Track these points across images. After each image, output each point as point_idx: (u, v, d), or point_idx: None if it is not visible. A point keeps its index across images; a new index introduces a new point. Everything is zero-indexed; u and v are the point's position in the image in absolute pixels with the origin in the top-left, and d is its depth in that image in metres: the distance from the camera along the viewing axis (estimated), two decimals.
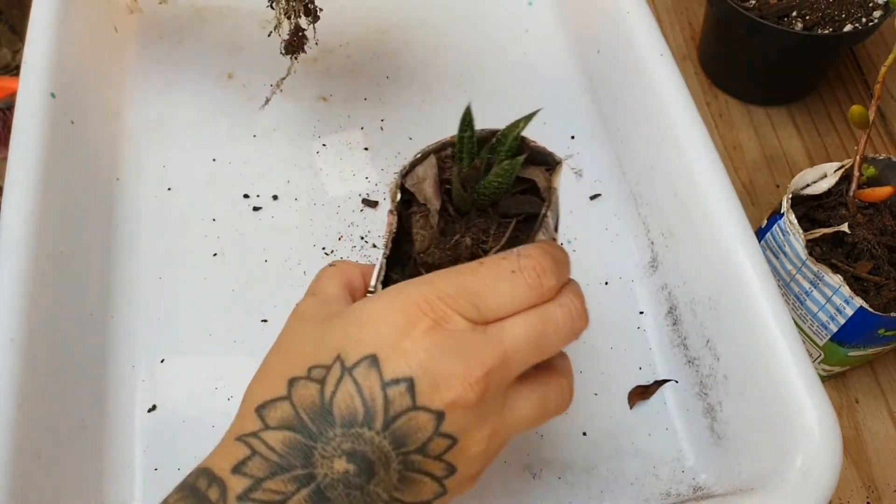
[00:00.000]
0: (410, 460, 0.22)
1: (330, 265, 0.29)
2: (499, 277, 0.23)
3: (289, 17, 0.33)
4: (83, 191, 0.40)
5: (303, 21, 0.36)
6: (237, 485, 0.22)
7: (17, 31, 0.66)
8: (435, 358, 0.22)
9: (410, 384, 0.22)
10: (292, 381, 0.23)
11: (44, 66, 0.40)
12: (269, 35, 0.39)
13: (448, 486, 0.23)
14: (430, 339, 0.22)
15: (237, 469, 0.22)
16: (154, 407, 0.37)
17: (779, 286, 0.44)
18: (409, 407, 0.22)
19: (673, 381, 0.39)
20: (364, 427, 0.22)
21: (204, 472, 0.23)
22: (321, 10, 0.35)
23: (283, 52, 0.36)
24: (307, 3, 0.34)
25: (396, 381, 0.22)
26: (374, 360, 0.22)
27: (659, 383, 0.40)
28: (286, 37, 0.35)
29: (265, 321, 0.40)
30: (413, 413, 0.22)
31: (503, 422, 0.24)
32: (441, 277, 0.23)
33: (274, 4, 0.34)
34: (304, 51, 0.35)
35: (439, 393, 0.22)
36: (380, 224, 0.44)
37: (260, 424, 0.23)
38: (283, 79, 0.37)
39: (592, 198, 0.46)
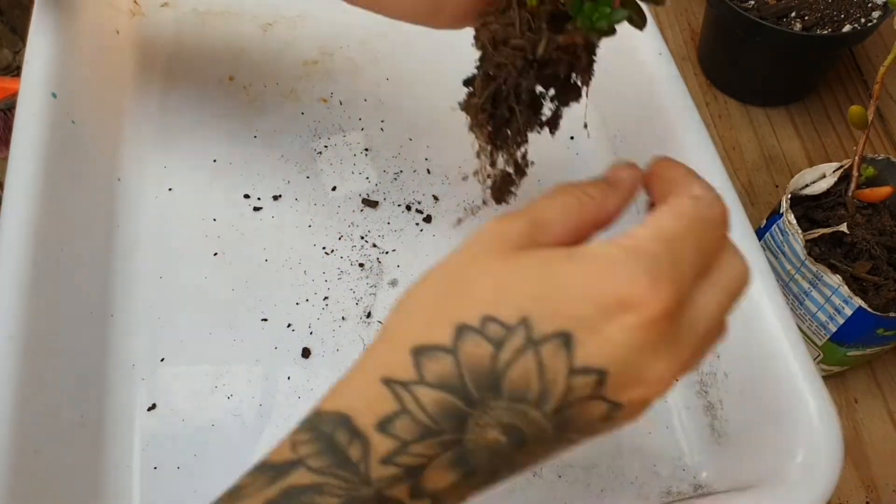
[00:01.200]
0: (569, 437, 0.21)
1: (584, 188, 0.23)
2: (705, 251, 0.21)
3: (495, 166, 0.32)
4: (84, 191, 0.41)
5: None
6: (382, 446, 0.20)
7: (17, 31, 0.67)
8: (637, 354, 0.19)
9: (602, 377, 0.20)
10: (461, 330, 0.20)
11: (45, 66, 0.40)
12: (464, 179, 0.40)
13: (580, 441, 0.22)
14: (638, 332, 0.19)
15: (383, 426, 0.20)
16: (153, 406, 0.37)
17: (778, 286, 0.45)
18: (590, 396, 0.20)
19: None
20: (533, 407, 0.20)
21: (344, 422, 0.20)
22: (532, 163, 0.34)
23: (490, 198, 0.34)
24: (518, 160, 0.33)
25: (587, 371, 0.19)
26: (567, 339, 0.19)
27: None
28: (490, 183, 0.34)
29: (265, 320, 0.40)
30: (592, 402, 0.20)
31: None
32: (664, 254, 0.20)
33: (481, 154, 0.33)
34: (507, 202, 0.34)
35: (628, 390, 0.20)
36: (380, 224, 0.44)
37: (415, 374, 0.20)
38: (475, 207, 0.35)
39: None
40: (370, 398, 0.20)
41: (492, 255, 0.21)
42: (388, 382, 0.20)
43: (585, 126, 0.36)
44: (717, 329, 0.22)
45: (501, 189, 0.33)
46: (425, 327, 0.21)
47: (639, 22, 0.28)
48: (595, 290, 0.20)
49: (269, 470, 0.20)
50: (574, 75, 0.30)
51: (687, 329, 0.20)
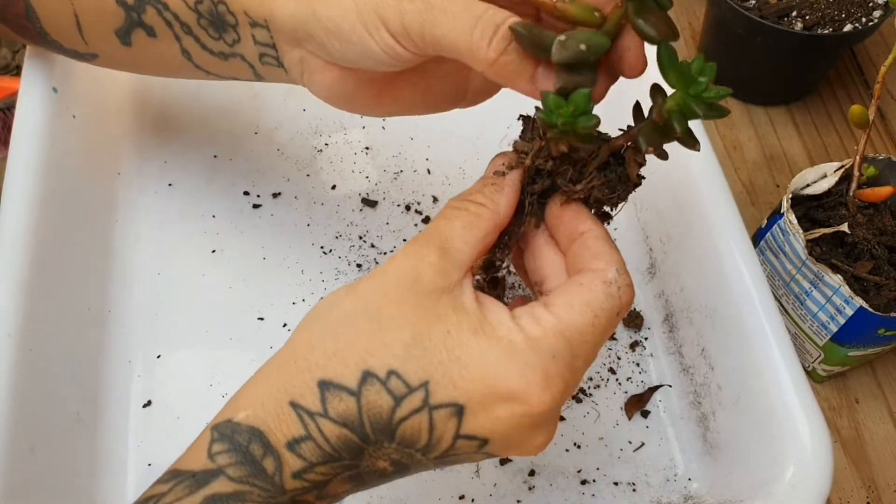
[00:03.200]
0: (449, 464, 0.24)
1: (473, 198, 0.25)
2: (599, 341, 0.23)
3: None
4: (84, 185, 0.41)
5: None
6: (292, 463, 0.22)
7: None
8: (519, 433, 0.22)
9: (483, 443, 0.22)
10: (366, 376, 0.22)
11: (47, 60, 0.40)
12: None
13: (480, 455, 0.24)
14: (522, 419, 0.22)
15: (292, 446, 0.22)
16: (149, 402, 0.37)
17: (779, 286, 0.44)
18: (472, 451, 0.23)
19: (667, 386, 0.39)
20: (419, 453, 0.23)
21: (257, 436, 0.22)
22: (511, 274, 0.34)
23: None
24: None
25: (471, 438, 0.22)
26: (459, 410, 0.22)
27: (652, 389, 0.39)
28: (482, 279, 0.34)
29: (262, 319, 0.40)
30: (474, 454, 0.23)
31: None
32: (562, 353, 0.22)
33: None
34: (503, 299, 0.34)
35: (510, 452, 0.23)
36: (379, 224, 0.44)
37: (320, 407, 0.22)
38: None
39: None
40: (280, 418, 0.22)
41: (406, 298, 0.23)
42: (296, 407, 0.22)
43: None
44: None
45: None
46: (334, 363, 0.22)
47: (691, 143, 0.24)
48: (491, 377, 0.22)
49: (187, 478, 0.22)
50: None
51: (567, 396, 0.23)
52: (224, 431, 0.23)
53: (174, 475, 0.23)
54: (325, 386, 0.22)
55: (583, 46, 0.22)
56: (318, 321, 0.24)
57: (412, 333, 0.22)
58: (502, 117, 0.49)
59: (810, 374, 0.46)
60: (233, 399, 0.24)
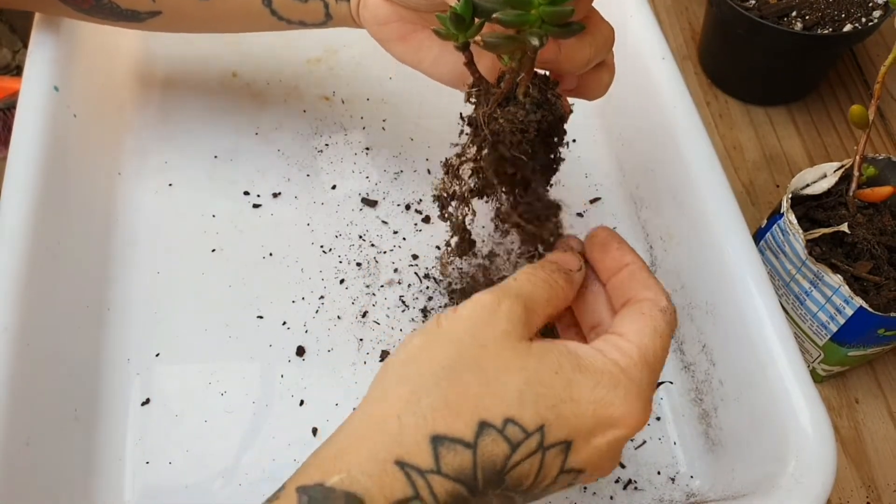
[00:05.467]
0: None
1: (558, 279, 0.26)
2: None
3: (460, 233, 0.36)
4: (84, 184, 0.41)
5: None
6: None
7: (17, 31, 0.67)
8: (611, 456, 0.24)
9: (579, 474, 0.23)
10: (483, 427, 0.22)
11: (48, 59, 0.40)
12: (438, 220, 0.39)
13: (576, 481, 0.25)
14: (618, 444, 0.23)
15: None
16: (148, 400, 0.37)
17: (779, 286, 0.44)
18: (564, 485, 0.23)
19: (668, 383, 0.39)
20: (518, 494, 0.23)
21: (355, 502, 0.21)
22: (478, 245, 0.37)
23: (453, 254, 0.37)
24: (466, 236, 0.36)
25: (571, 471, 0.23)
26: (568, 446, 0.23)
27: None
28: (455, 242, 0.36)
29: (261, 318, 0.40)
30: (562, 476, 0.23)
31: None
32: (648, 378, 0.24)
33: (449, 227, 0.36)
34: (474, 254, 0.37)
35: (593, 476, 0.24)
36: (379, 224, 0.44)
37: (432, 463, 0.21)
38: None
39: (592, 201, 0.46)
40: (384, 481, 0.21)
41: (505, 346, 0.23)
42: (403, 466, 0.21)
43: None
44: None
45: (466, 247, 0.36)
46: (445, 416, 0.22)
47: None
48: (600, 408, 0.23)
49: None
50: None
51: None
52: (315, 496, 0.21)
53: None
54: (438, 441, 0.21)
55: None
56: (411, 374, 0.23)
57: (524, 379, 0.22)
58: None
59: (810, 374, 0.46)
60: (318, 456, 0.23)
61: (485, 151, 0.30)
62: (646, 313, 0.25)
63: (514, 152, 0.28)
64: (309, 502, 0.21)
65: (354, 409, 0.24)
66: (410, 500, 0.21)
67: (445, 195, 0.34)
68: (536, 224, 0.30)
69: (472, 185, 0.33)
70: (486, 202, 0.33)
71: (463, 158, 0.32)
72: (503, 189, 0.32)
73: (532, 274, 0.26)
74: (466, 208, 0.34)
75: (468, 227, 0.35)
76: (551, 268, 0.27)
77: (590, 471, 0.23)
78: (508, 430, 0.22)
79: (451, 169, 0.33)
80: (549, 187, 0.31)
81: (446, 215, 0.35)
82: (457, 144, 0.32)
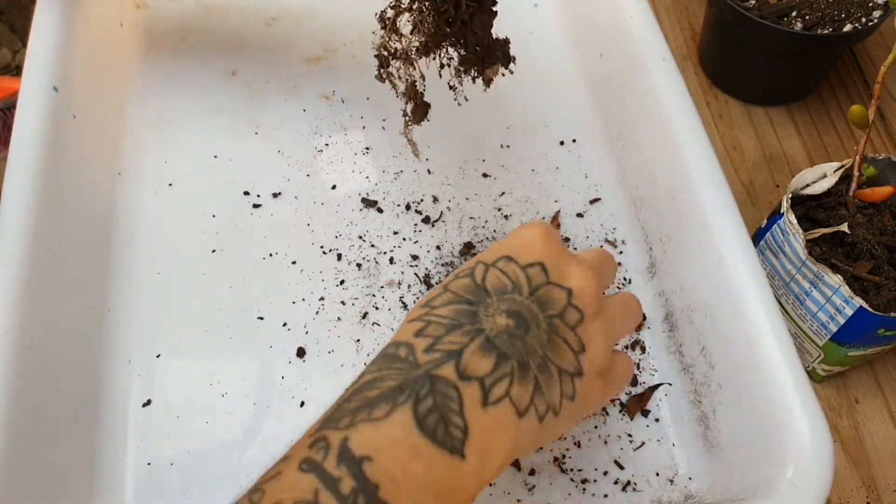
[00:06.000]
0: (554, 323, 0.27)
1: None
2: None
3: (412, 97, 0.37)
4: (84, 185, 0.41)
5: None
6: (421, 344, 0.25)
7: (17, 31, 0.67)
8: (558, 257, 0.28)
9: (543, 267, 0.28)
10: (446, 286, 0.27)
11: (47, 59, 0.40)
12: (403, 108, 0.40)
13: (582, 364, 0.27)
14: (553, 246, 0.28)
15: (418, 334, 0.25)
16: (149, 401, 0.37)
17: (779, 286, 0.44)
18: (544, 282, 0.27)
19: (667, 385, 0.39)
20: (514, 293, 0.27)
21: (393, 344, 0.26)
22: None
23: (410, 123, 0.38)
24: (419, 100, 0.37)
25: (531, 265, 0.28)
26: (508, 257, 0.28)
27: (652, 389, 0.39)
28: (410, 108, 0.37)
29: (261, 318, 0.40)
30: (549, 286, 0.27)
31: (610, 346, 0.29)
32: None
33: (398, 94, 0.37)
34: (428, 118, 0.39)
35: (566, 279, 0.28)
36: (379, 223, 0.44)
37: (426, 310, 0.26)
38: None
39: (592, 201, 0.46)
40: (405, 330, 0.26)
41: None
42: (413, 319, 0.26)
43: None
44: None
45: (421, 112, 0.37)
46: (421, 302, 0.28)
47: None
48: (518, 235, 0.29)
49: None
50: None
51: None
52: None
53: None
54: (424, 304, 0.27)
55: None
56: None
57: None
58: (502, 118, 0.49)
59: (810, 374, 0.46)
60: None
61: None
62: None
63: None
64: (375, 362, 0.26)
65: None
66: (427, 326, 0.26)
67: (386, 53, 0.34)
68: (490, 65, 0.32)
69: (416, 43, 0.33)
70: (433, 61, 0.34)
71: (398, 7, 0.32)
72: (448, 41, 0.32)
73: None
74: (413, 69, 0.34)
75: (420, 90, 0.36)
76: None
77: (550, 264, 0.28)
78: (460, 275, 0.28)
79: (387, 22, 0.33)
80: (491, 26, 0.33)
81: (384, 75, 0.35)
82: None
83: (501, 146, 0.48)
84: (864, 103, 0.41)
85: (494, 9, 0.33)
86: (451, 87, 0.36)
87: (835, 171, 0.43)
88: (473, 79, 0.36)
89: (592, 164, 0.47)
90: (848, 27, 0.49)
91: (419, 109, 0.37)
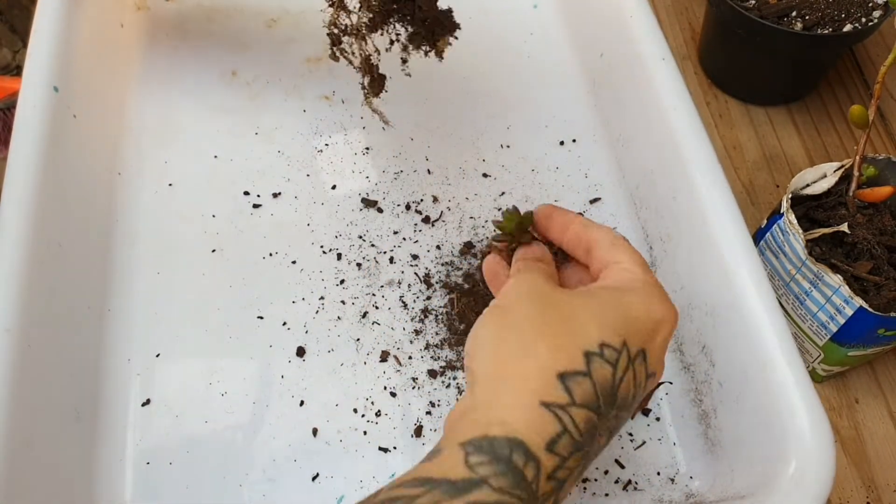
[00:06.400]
0: (632, 402, 0.27)
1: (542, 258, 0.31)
2: None
3: (366, 70, 0.38)
4: (84, 185, 0.41)
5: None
6: (549, 463, 0.24)
7: (17, 31, 0.67)
8: (663, 356, 0.27)
9: (652, 377, 0.27)
10: (589, 356, 0.25)
11: (48, 59, 0.40)
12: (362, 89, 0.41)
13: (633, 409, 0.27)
14: (666, 343, 0.27)
15: (550, 447, 0.24)
16: (148, 401, 0.37)
17: (779, 286, 0.44)
18: (647, 389, 0.27)
19: (667, 384, 0.39)
20: (626, 411, 0.26)
21: (519, 447, 0.23)
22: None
23: (370, 95, 0.39)
24: (375, 73, 0.38)
25: (650, 375, 0.27)
26: (644, 354, 0.26)
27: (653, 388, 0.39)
28: (367, 82, 0.38)
29: (261, 318, 0.40)
30: (644, 378, 0.27)
31: None
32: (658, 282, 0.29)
33: (355, 68, 0.38)
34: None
35: (658, 376, 0.28)
36: (379, 223, 0.44)
37: (567, 397, 0.24)
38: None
39: (592, 201, 0.46)
40: (535, 422, 0.24)
41: (560, 292, 0.28)
42: (548, 406, 0.24)
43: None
44: None
45: (378, 84, 0.38)
46: (562, 356, 0.25)
47: None
48: (650, 315, 0.27)
49: (444, 485, 0.23)
50: None
51: None
52: (481, 445, 0.24)
53: (424, 482, 0.23)
54: (564, 378, 0.24)
55: None
56: (510, 336, 0.26)
57: (593, 312, 0.26)
58: (502, 118, 0.49)
59: (810, 374, 0.46)
60: (464, 419, 0.25)
61: None
62: (615, 242, 0.29)
63: None
64: (476, 451, 0.23)
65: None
66: (562, 435, 0.24)
67: (336, 30, 0.35)
68: (441, 37, 0.33)
69: (365, 19, 0.34)
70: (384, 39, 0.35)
71: None
72: (396, 16, 0.33)
73: (521, 264, 0.30)
74: (365, 44, 0.35)
75: (374, 63, 0.37)
76: (536, 250, 0.31)
77: (657, 372, 0.27)
78: (606, 353, 0.25)
79: (334, 0, 0.34)
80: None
81: (337, 53, 0.36)
82: None
83: (501, 146, 0.48)
84: (864, 103, 0.41)
85: None
86: (403, 61, 0.37)
87: (835, 171, 0.43)
88: (426, 52, 0.37)
89: (592, 164, 0.47)
90: (848, 27, 0.49)
91: (376, 82, 0.38)
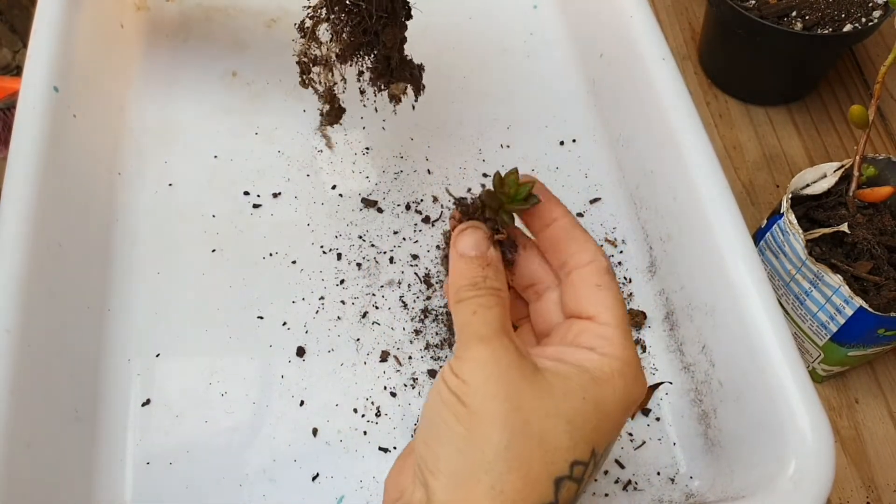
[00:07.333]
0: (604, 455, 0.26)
1: (491, 286, 0.26)
2: None
3: (328, 100, 0.39)
4: (84, 184, 0.41)
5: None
6: None
7: (17, 31, 0.67)
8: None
9: (608, 448, 0.26)
10: (559, 483, 0.23)
11: (48, 59, 0.40)
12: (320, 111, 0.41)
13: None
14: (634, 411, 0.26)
15: None
16: (148, 401, 0.37)
17: (779, 286, 0.44)
18: (651, 389, 0.26)
19: (667, 384, 0.39)
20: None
21: None
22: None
23: (325, 123, 0.40)
24: (335, 104, 0.39)
25: (603, 472, 0.26)
26: (609, 444, 0.25)
27: (653, 387, 0.39)
28: (326, 110, 0.40)
29: (261, 318, 0.40)
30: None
31: None
32: (635, 354, 0.26)
33: (318, 96, 0.39)
34: (341, 122, 0.41)
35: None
36: (379, 223, 0.44)
37: None
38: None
39: (592, 201, 0.46)
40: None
41: (530, 395, 0.24)
42: None
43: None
44: None
45: (335, 115, 0.39)
46: (532, 488, 0.23)
47: None
48: (626, 405, 0.25)
49: None
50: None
51: None
52: None
53: None
54: None
55: None
56: (477, 463, 0.23)
57: (566, 421, 0.24)
58: (502, 118, 0.49)
59: (810, 374, 0.46)
60: None
61: (335, 6, 0.32)
62: (601, 285, 0.26)
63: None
64: None
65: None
66: None
67: (306, 60, 0.35)
68: (396, 81, 0.34)
69: (336, 50, 0.34)
70: (357, 70, 0.36)
71: (315, 18, 0.34)
72: (363, 49, 0.34)
73: (473, 300, 0.26)
74: (331, 75, 0.36)
75: (337, 94, 0.38)
76: (473, 275, 0.26)
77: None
78: (575, 472, 0.24)
79: (306, 31, 0.34)
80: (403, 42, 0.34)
81: (306, 81, 0.37)
82: (308, 7, 0.34)
83: (501, 146, 0.48)
84: (864, 103, 0.41)
85: (406, 23, 0.35)
86: (361, 92, 0.38)
87: (835, 171, 0.43)
88: (379, 89, 0.37)
89: (592, 164, 0.47)
90: (848, 27, 0.50)
91: (334, 112, 0.39)
